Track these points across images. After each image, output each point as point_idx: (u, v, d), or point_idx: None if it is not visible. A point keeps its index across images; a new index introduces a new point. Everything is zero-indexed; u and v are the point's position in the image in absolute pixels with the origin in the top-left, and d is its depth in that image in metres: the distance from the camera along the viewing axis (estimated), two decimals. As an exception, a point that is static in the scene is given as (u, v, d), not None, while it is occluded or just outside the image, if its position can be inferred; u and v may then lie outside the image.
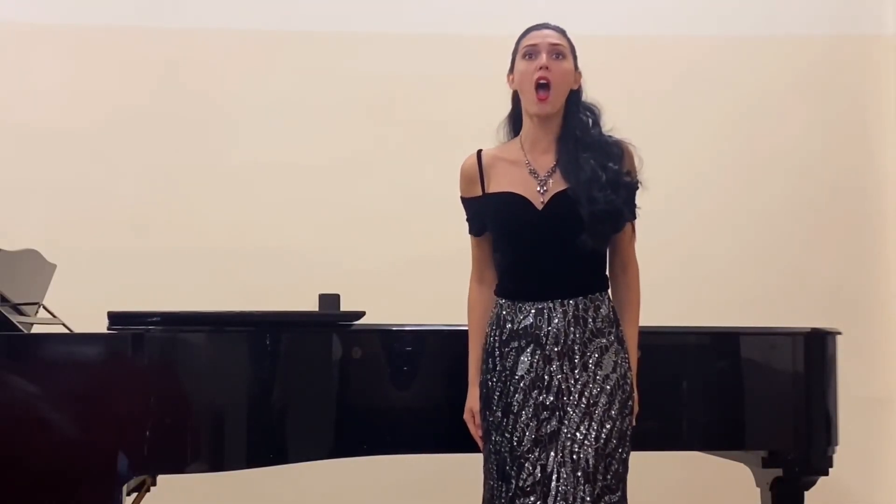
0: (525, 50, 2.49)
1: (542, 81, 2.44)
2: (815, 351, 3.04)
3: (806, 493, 3.01)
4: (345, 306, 2.93)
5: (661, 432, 2.87)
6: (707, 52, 4.48)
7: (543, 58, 2.45)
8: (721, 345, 3.04)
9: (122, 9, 4.36)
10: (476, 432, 2.56)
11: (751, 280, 4.37)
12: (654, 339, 2.81)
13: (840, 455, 3.05)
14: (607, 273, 2.57)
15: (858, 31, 4.54)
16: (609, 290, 2.54)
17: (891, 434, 4.43)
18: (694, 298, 4.23)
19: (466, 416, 2.58)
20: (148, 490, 3.14)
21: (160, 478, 3.14)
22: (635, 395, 2.51)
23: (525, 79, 2.47)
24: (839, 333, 3.09)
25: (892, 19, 4.54)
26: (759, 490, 3.11)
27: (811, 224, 4.45)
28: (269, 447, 2.70)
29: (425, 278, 4.10)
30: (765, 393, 3.00)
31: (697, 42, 4.47)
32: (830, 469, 3.01)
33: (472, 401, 2.57)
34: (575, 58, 2.52)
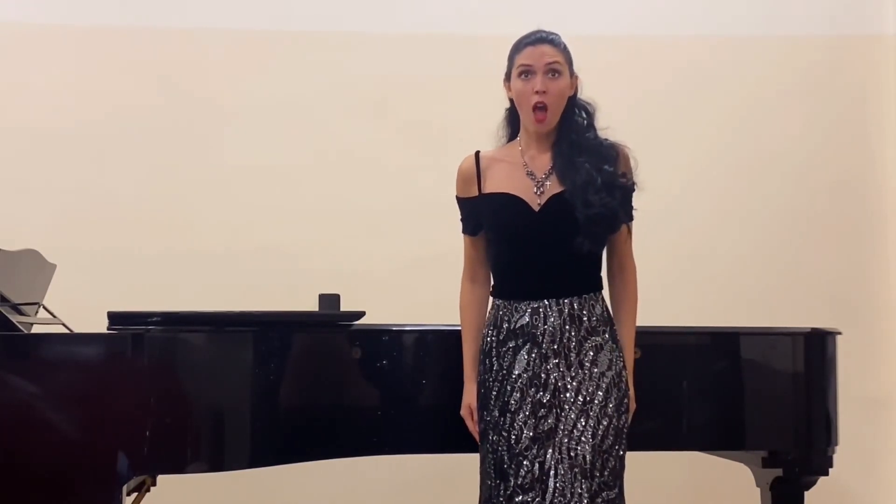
0: (521, 69, 2.50)
1: (539, 105, 2.48)
2: (815, 351, 3.04)
3: (806, 493, 3.01)
4: (345, 306, 2.93)
5: (661, 432, 2.87)
6: (707, 52, 4.48)
7: (539, 80, 2.47)
8: (721, 345, 3.04)
9: (122, 9, 4.36)
10: (474, 428, 2.58)
11: (751, 280, 4.37)
12: (655, 339, 2.82)
13: (840, 455, 3.05)
14: (604, 274, 2.59)
15: (858, 31, 4.54)
16: (602, 291, 2.57)
17: (891, 434, 4.43)
18: (694, 298, 4.23)
19: (464, 412, 2.60)
20: (148, 490, 3.14)
21: (160, 478, 3.14)
22: (631, 393, 2.53)
23: (522, 99, 2.50)
24: (839, 333, 3.09)
25: (892, 19, 4.54)
26: (759, 490, 3.11)
27: (811, 224, 4.45)
28: (269, 447, 2.71)
29: (425, 278, 4.09)
30: (765, 393, 3.00)
31: (697, 42, 4.47)
32: (830, 469, 3.01)
33: (469, 397, 2.59)
34: (570, 65, 2.54)
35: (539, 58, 2.48)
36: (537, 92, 2.47)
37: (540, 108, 2.48)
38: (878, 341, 4.42)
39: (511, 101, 2.59)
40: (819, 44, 4.51)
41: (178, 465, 2.65)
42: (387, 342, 2.82)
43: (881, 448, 4.40)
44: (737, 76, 4.48)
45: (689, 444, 3.07)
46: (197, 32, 4.37)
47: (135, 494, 3.08)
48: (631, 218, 2.54)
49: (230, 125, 4.35)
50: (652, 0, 4.52)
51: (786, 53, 4.50)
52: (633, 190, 2.53)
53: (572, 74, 2.54)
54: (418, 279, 4.15)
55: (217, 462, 2.69)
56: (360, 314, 2.83)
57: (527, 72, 2.49)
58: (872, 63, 4.53)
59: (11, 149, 4.24)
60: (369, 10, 4.43)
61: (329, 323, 2.84)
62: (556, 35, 2.54)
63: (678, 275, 4.25)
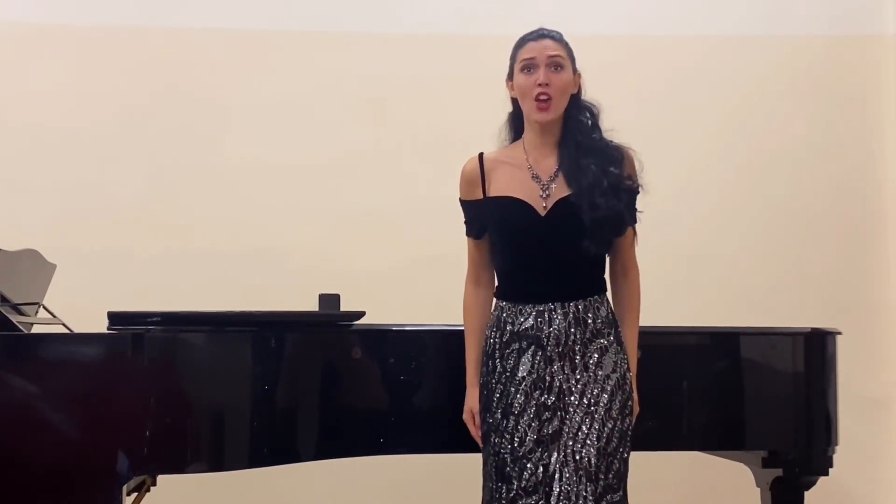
0: (523, 63, 2.49)
1: (541, 96, 2.46)
2: (815, 351, 3.04)
3: (806, 493, 3.01)
4: (345, 306, 2.93)
5: (662, 432, 2.87)
6: (707, 52, 4.48)
7: (542, 73, 2.46)
8: (721, 345, 3.04)
9: (122, 9, 4.36)
10: (476, 432, 2.57)
11: (751, 280, 4.37)
12: (655, 340, 2.81)
13: (840, 455, 3.05)
14: (608, 276, 2.59)
15: (858, 31, 4.54)
16: (607, 293, 2.56)
17: (891, 434, 4.43)
18: (694, 299, 4.23)
19: (466, 417, 2.59)
20: (148, 490, 3.14)
21: (160, 478, 3.14)
22: (635, 395, 2.52)
23: (525, 93, 2.49)
24: (839, 333, 3.09)
25: (892, 19, 4.54)
26: (759, 490, 3.11)
27: (811, 224, 4.45)
28: (268, 447, 2.71)
29: (425, 278, 4.10)
30: (765, 393, 3.00)
31: (697, 42, 4.47)
32: (830, 469, 3.01)
33: (472, 401, 2.58)
34: (573, 61, 2.52)
35: (541, 51, 2.47)
36: (540, 84, 2.45)
37: (543, 99, 2.46)
38: (878, 341, 4.42)
39: (514, 102, 2.58)
40: (819, 44, 4.51)
41: (178, 465, 2.65)
42: (387, 342, 2.82)
43: (881, 448, 4.40)
44: (737, 76, 4.48)
45: (689, 444, 3.07)
46: (197, 32, 4.37)
47: (135, 494, 3.08)
48: (635, 221, 2.53)
49: (230, 125, 4.35)
50: (652, 0, 4.52)
51: (786, 53, 4.50)
52: (638, 193, 2.52)
53: (575, 71, 2.52)
54: (418, 279, 4.15)
55: (217, 462, 2.68)
56: (360, 314, 2.83)
57: (529, 66, 2.47)
58: (872, 63, 4.53)
59: (11, 149, 4.24)
60: (369, 11, 4.43)
61: (329, 323, 2.84)
62: (558, 32, 2.53)
63: (678, 275, 4.24)
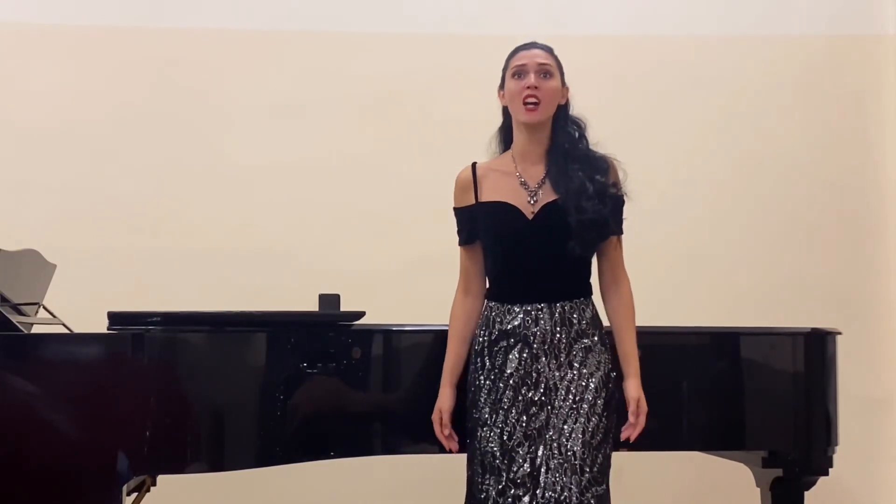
0: (514, 70, 2.58)
1: (530, 100, 2.53)
2: (815, 351, 3.04)
3: (806, 493, 3.01)
4: (345, 306, 2.93)
5: (662, 432, 2.86)
6: (707, 52, 4.48)
7: (532, 78, 2.54)
8: (721, 345, 3.04)
9: (121, 9, 4.36)
10: (440, 432, 2.63)
11: (751, 280, 4.37)
12: (655, 340, 2.82)
13: (840, 455, 3.05)
14: (600, 290, 2.65)
15: (858, 31, 4.54)
16: (592, 296, 2.62)
17: (891, 434, 4.43)
18: (694, 299, 4.23)
19: (434, 417, 2.65)
20: (148, 490, 3.14)
21: (160, 478, 3.14)
22: (634, 393, 2.55)
23: (515, 97, 2.57)
24: (839, 333, 3.10)
25: (892, 19, 4.54)
26: (759, 490, 3.11)
27: (811, 224, 4.45)
28: (269, 447, 2.71)
29: (425, 278, 4.08)
30: (765, 393, 3.00)
31: (697, 42, 4.47)
32: (830, 469, 3.02)
33: (443, 401, 2.64)
34: (562, 74, 2.61)
35: (531, 58, 2.57)
36: (529, 87, 2.53)
37: (531, 102, 2.54)
38: (878, 341, 4.42)
39: (504, 111, 2.66)
40: (819, 44, 4.51)
41: (178, 465, 2.66)
42: (386, 342, 2.83)
43: (881, 448, 4.40)
44: (737, 76, 4.48)
45: (689, 444, 3.07)
46: (198, 32, 4.37)
47: (135, 494, 3.08)
48: (622, 230, 2.60)
49: (230, 125, 4.35)
50: (651, 0, 4.52)
51: (786, 53, 4.50)
52: (624, 202, 2.60)
53: (563, 83, 2.61)
54: (418, 279, 4.15)
55: (217, 462, 2.69)
56: (360, 314, 2.83)
57: (519, 72, 2.56)
58: (872, 63, 4.53)
59: (11, 149, 4.24)
60: (370, 11, 4.43)
61: (329, 323, 2.84)
62: (549, 46, 2.62)
63: (678, 275, 4.25)
